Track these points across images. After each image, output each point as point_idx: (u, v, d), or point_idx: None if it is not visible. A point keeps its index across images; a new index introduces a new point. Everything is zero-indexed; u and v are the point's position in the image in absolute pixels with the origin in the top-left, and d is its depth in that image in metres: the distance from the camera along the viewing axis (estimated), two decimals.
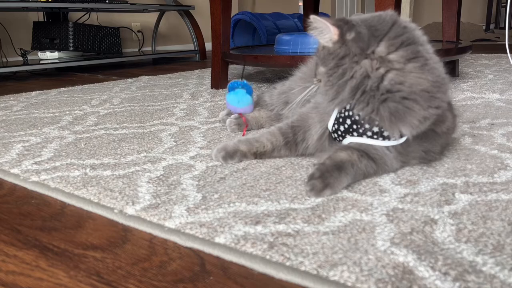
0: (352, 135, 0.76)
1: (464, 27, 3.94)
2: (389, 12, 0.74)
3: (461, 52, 1.65)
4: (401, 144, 0.75)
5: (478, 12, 5.79)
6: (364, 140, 0.75)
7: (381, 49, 0.70)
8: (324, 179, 0.68)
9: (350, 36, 0.71)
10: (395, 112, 0.70)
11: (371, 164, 0.73)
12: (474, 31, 4.05)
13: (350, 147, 0.75)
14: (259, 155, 0.84)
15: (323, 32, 0.72)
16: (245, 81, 1.09)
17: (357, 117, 0.74)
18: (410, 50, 0.69)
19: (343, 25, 0.71)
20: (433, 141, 0.78)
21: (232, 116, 1.09)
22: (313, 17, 0.71)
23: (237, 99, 1.06)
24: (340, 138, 0.78)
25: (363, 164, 0.72)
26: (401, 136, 0.73)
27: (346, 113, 0.76)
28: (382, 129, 0.73)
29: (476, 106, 1.27)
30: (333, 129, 0.78)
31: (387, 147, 0.74)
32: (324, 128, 0.80)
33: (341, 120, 0.76)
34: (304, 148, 0.84)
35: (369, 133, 0.74)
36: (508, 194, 0.66)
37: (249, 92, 1.08)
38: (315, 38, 0.74)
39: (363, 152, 0.73)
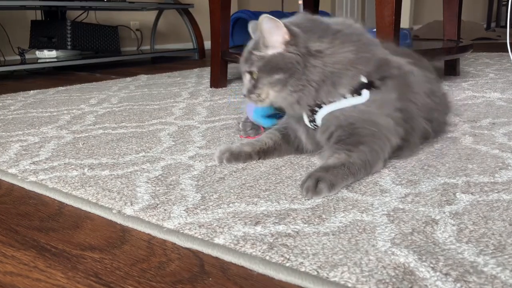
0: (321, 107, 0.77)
1: (465, 26, 3.92)
2: (304, 13, 0.81)
3: (462, 51, 1.65)
4: (381, 99, 0.76)
5: (479, 11, 5.79)
6: (335, 105, 0.76)
7: (316, 44, 0.74)
8: (318, 184, 0.67)
9: (297, 36, 0.74)
10: (323, 76, 0.74)
11: (363, 149, 0.72)
12: (475, 30, 4.04)
13: (336, 149, 0.74)
14: (262, 153, 0.85)
15: (272, 34, 0.74)
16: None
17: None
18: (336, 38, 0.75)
19: (288, 26, 0.74)
20: (408, 90, 0.80)
21: (248, 119, 1.02)
22: (265, 16, 0.73)
23: (262, 121, 0.99)
24: (315, 123, 0.80)
25: (355, 157, 0.71)
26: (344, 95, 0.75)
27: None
28: (339, 90, 0.75)
29: (477, 105, 1.27)
30: (309, 120, 0.80)
31: (365, 105, 0.75)
32: (305, 125, 0.82)
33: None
34: (301, 147, 0.85)
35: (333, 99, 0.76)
36: (510, 194, 0.66)
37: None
38: (264, 39, 0.75)
39: (349, 145, 0.73)
